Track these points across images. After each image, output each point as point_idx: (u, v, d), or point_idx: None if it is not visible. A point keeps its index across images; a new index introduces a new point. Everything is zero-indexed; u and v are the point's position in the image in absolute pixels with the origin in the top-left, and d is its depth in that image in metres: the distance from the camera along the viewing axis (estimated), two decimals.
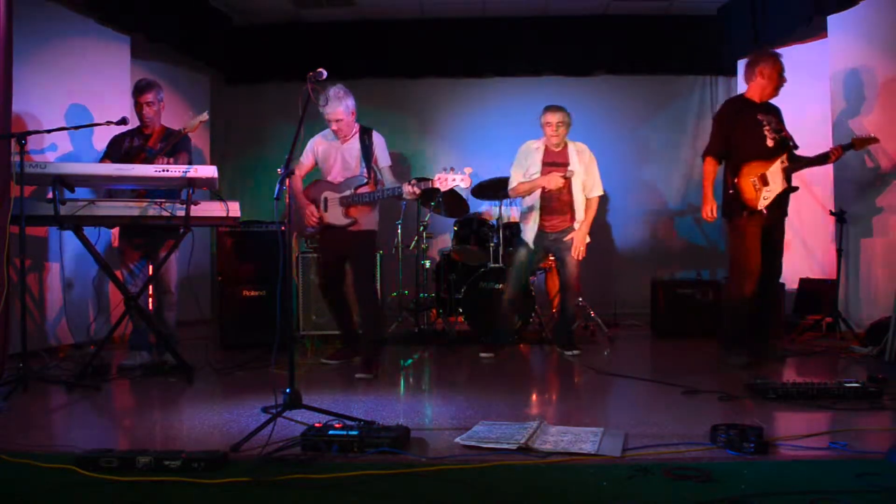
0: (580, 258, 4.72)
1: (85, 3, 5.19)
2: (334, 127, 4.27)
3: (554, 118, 4.68)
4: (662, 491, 2.12)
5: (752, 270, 4.25)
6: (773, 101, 4.44)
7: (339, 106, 4.20)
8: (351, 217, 4.27)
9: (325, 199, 4.33)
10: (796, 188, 4.42)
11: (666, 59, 7.20)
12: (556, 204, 4.74)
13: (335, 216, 4.29)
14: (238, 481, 2.20)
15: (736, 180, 4.31)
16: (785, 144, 4.36)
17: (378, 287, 5.01)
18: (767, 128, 4.34)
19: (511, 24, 7.20)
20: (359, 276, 4.35)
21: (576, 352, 4.82)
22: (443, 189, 3.98)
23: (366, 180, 4.26)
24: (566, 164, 4.73)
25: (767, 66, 4.33)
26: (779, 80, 4.34)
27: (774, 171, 4.29)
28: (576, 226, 4.73)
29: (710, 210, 4.37)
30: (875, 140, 4.45)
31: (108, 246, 5.08)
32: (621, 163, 7.27)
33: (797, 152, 4.42)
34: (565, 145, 4.79)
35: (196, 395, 3.69)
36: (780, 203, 4.35)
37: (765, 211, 4.25)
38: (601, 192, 4.83)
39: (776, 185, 4.28)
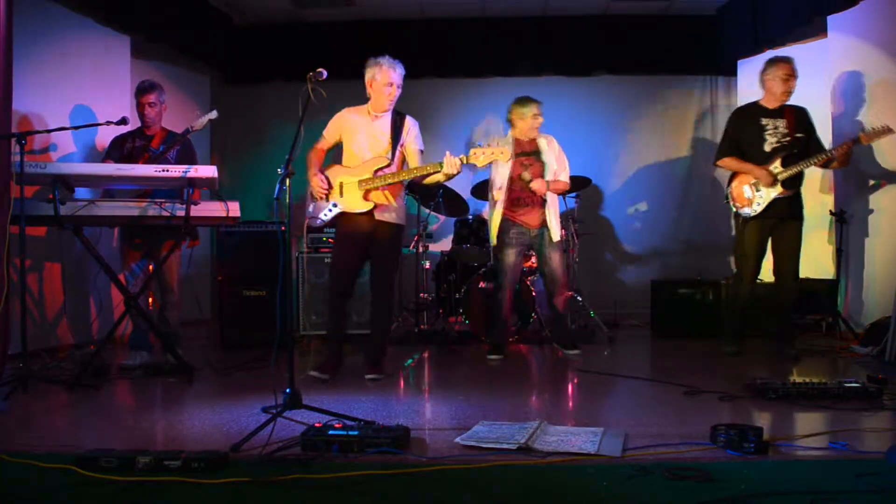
0: (533, 184, 4.56)
1: (85, 3, 5.19)
2: (388, 91, 3.90)
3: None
4: (662, 491, 2.12)
5: (746, 271, 4.53)
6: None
7: (399, 69, 3.91)
8: (370, 202, 3.90)
9: (341, 185, 3.93)
10: (792, 192, 4.40)
11: (666, 59, 7.19)
12: (526, 197, 4.67)
13: (353, 202, 3.90)
14: (238, 481, 2.20)
15: (730, 187, 4.51)
16: (786, 149, 4.36)
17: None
18: (770, 132, 4.41)
19: (511, 24, 7.19)
20: (380, 270, 3.98)
21: (576, 351, 4.79)
22: (479, 165, 3.83)
23: (388, 162, 3.92)
24: (532, 153, 4.68)
25: (769, 74, 4.47)
26: (784, 85, 4.40)
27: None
28: (549, 219, 4.63)
29: (766, 173, 4.34)
30: (890, 131, 4.22)
31: (109, 245, 5.08)
32: (621, 162, 7.30)
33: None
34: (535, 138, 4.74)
35: (196, 395, 3.70)
36: (787, 206, 4.40)
37: (752, 214, 4.39)
38: (566, 180, 4.74)
39: (770, 190, 4.37)
